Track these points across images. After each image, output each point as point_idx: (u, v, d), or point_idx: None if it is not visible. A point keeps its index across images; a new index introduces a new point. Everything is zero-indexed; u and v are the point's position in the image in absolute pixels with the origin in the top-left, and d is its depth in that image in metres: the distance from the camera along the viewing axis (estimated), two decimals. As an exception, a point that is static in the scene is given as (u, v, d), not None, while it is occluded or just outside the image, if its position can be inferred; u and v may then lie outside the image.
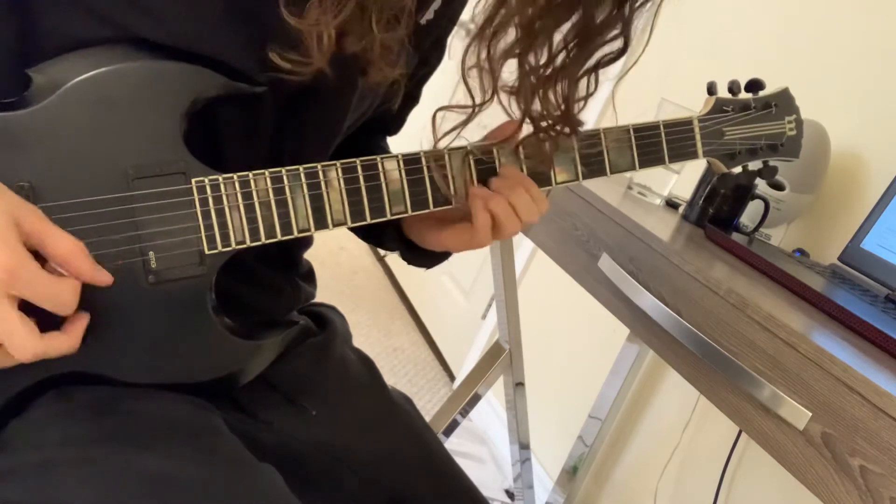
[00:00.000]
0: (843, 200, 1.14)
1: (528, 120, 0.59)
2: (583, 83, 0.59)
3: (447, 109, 0.58)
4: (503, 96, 0.57)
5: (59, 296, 0.47)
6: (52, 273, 0.48)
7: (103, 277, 0.50)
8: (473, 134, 0.61)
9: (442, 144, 0.58)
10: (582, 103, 0.60)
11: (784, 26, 1.38)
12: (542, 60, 0.57)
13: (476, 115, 0.56)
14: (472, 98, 0.56)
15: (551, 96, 0.58)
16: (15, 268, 0.44)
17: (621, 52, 0.58)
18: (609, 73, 0.60)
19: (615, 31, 0.57)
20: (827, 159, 1.10)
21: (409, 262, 0.74)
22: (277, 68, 0.52)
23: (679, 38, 1.64)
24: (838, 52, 1.24)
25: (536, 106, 0.58)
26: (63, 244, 0.48)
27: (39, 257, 0.47)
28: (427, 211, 0.61)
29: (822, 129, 1.09)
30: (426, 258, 0.72)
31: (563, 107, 0.59)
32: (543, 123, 0.60)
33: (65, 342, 0.49)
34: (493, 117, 0.60)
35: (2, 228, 0.45)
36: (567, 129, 0.61)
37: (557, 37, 0.56)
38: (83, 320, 0.50)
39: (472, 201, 0.61)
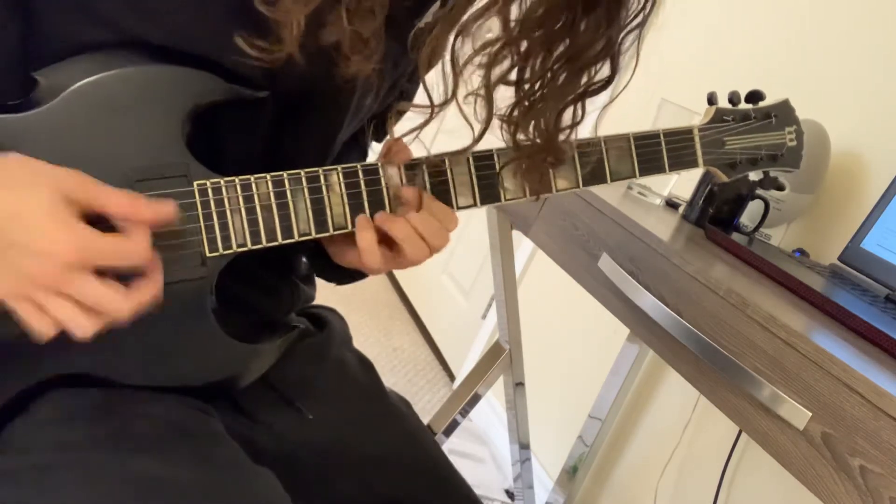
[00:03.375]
0: (843, 200, 1.14)
1: (514, 147, 0.59)
2: (568, 112, 0.58)
3: (408, 108, 0.57)
4: (494, 122, 0.57)
5: (133, 250, 0.48)
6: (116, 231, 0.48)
7: (166, 209, 0.50)
8: (440, 141, 0.60)
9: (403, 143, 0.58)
10: (567, 132, 0.59)
11: (784, 27, 1.38)
12: (533, 87, 0.56)
13: (434, 116, 0.55)
14: (430, 98, 0.55)
15: (536, 124, 0.58)
16: (83, 246, 0.45)
17: (608, 81, 0.58)
18: (596, 103, 0.60)
19: (602, 58, 0.57)
20: (827, 159, 1.10)
21: (318, 275, 0.73)
22: (245, 53, 0.51)
23: (680, 39, 1.64)
24: (838, 52, 1.24)
25: (522, 133, 0.58)
26: (118, 199, 0.48)
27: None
28: None
29: (822, 129, 1.09)
30: (336, 274, 0.70)
31: (545, 136, 0.58)
32: (529, 151, 0.59)
33: (151, 284, 0.50)
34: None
35: (56, 209, 0.45)
36: (551, 159, 0.61)
37: (547, 62, 0.56)
38: (157, 259, 0.51)
39: (357, 221, 0.59)
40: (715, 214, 1.02)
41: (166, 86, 0.52)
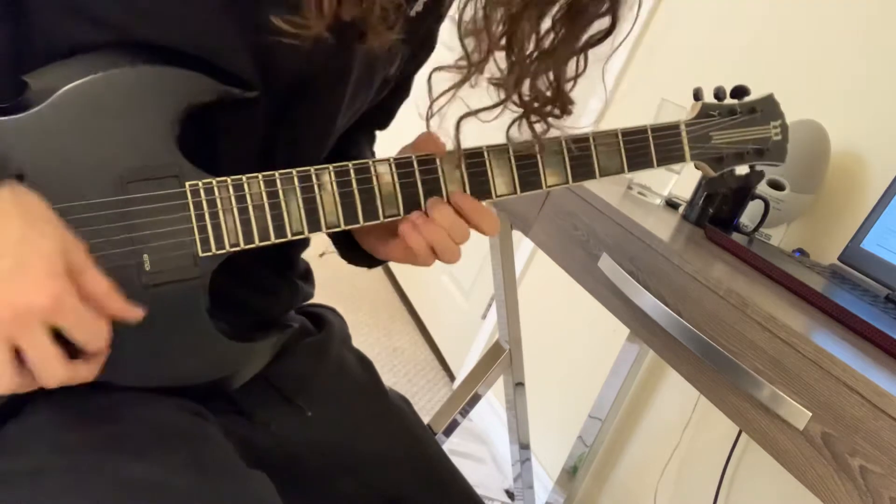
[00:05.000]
0: (843, 200, 1.14)
1: (519, 104, 0.59)
2: (572, 63, 0.59)
3: (444, 70, 0.57)
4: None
5: (95, 330, 0.48)
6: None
7: (135, 313, 0.51)
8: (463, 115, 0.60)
9: (437, 106, 0.58)
10: (571, 83, 0.60)
11: (784, 26, 1.38)
12: (531, 46, 0.57)
13: (472, 74, 0.55)
14: (468, 57, 0.55)
15: (541, 79, 0.58)
16: (61, 295, 0.45)
17: (609, 31, 0.58)
18: (598, 54, 0.60)
19: (603, 10, 0.57)
20: (827, 159, 1.10)
21: (349, 261, 0.74)
22: (280, 32, 0.51)
23: (679, 39, 1.64)
24: (838, 52, 1.24)
25: (526, 89, 0.58)
26: (101, 282, 0.48)
27: None
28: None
29: (822, 129, 1.09)
30: (367, 259, 0.72)
31: (553, 88, 0.59)
32: (535, 105, 0.60)
33: (87, 371, 0.49)
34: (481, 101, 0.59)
35: (51, 257, 0.45)
36: (558, 111, 0.61)
37: (545, 20, 0.56)
38: (105, 351, 0.50)
39: (402, 229, 0.61)
40: (715, 214, 1.02)
41: (156, 87, 0.52)
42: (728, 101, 0.73)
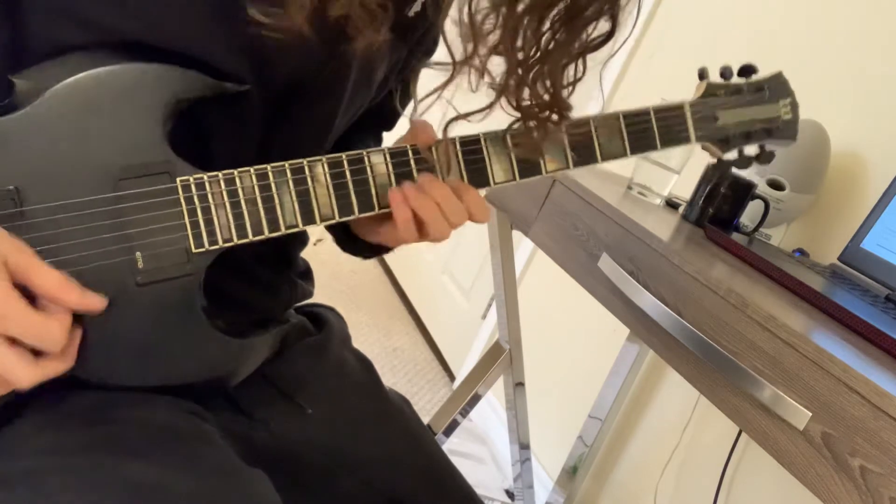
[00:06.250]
0: (843, 200, 1.14)
1: (516, 109, 0.58)
2: (570, 68, 0.58)
3: (428, 66, 0.57)
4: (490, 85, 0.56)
5: (48, 334, 0.47)
6: (41, 309, 0.48)
7: (95, 303, 0.50)
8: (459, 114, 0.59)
9: (422, 107, 0.57)
10: (570, 88, 0.59)
11: (784, 27, 1.38)
12: (530, 51, 0.56)
13: (457, 74, 0.54)
14: (452, 56, 0.54)
15: (539, 84, 0.57)
16: (2, 311, 0.45)
17: (609, 36, 0.57)
18: (597, 58, 0.59)
19: (602, 14, 0.56)
20: (827, 159, 1.10)
21: (344, 249, 0.73)
22: (258, 23, 0.51)
23: (678, 39, 1.64)
24: (838, 51, 1.24)
25: (524, 94, 0.57)
26: (50, 278, 0.48)
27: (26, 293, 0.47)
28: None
29: (822, 129, 1.09)
30: (362, 248, 0.71)
31: (551, 92, 0.58)
32: (534, 111, 0.59)
33: (60, 363, 0.49)
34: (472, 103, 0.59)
35: None
36: (556, 116, 0.60)
37: (544, 24, 0.56)
38: (76, 338, 0.50)
39: (390, 197, 0.59)
40: (715, 214, 1.02)
41: (145, 84, 0.52)
42: (735, 80, 0.71)
